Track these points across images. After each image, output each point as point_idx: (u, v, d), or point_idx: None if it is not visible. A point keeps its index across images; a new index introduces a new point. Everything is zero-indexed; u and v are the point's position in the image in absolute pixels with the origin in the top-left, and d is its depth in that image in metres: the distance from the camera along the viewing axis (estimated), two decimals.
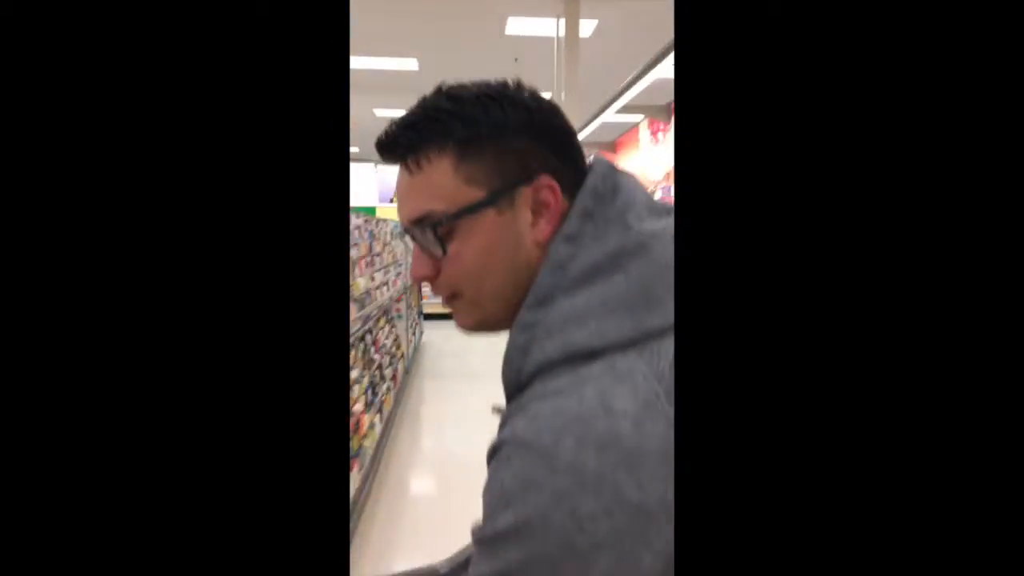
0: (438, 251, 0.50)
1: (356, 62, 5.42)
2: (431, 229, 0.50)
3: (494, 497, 0.43)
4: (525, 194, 0.50)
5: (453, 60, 5.36)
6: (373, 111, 7.32)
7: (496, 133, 0.49)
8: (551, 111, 0.52)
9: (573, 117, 5.08)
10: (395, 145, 0.51)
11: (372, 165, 10.13)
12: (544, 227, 0.51)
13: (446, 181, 0.49)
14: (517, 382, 0.49)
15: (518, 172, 0.50)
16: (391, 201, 10.21)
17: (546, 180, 0.50)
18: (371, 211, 10.03)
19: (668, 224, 0.50)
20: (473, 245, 0.50)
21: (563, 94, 4.54)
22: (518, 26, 4.74)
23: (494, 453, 0.46)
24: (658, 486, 0.40)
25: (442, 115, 0.49)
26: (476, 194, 0.49)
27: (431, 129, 0.49)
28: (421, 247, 0.52)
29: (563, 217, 0.51)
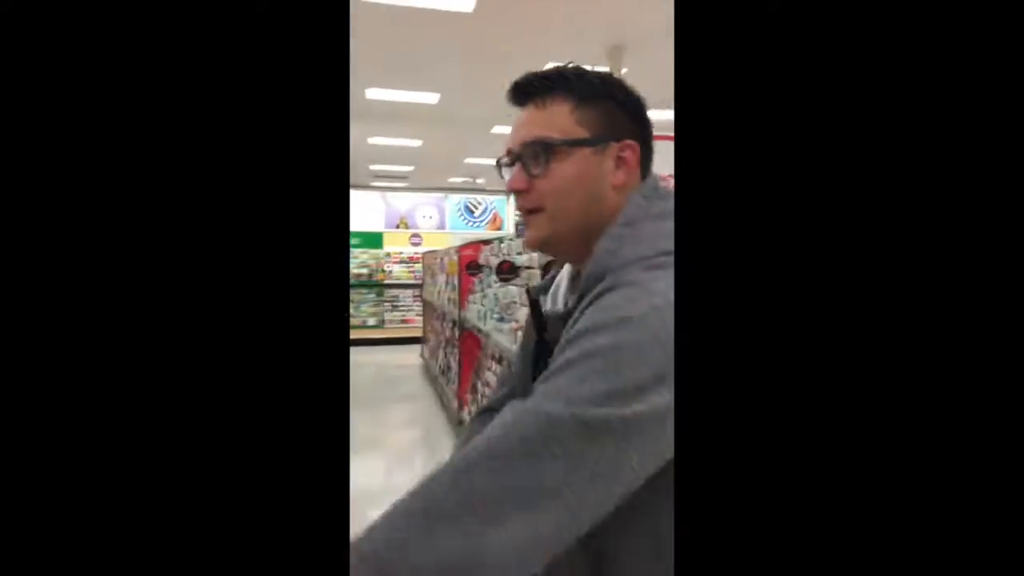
0: (540, 169, 0.66)
1: (380, 93, 5.61)
2: (542, 148, 0.65)
3: (594, 312, 0.57)
4: (613, 147, 0.67)
5: (474, 95, 5.56)
6: (376, 140, 7.53)
7: (604, 97, 0.67)
8: (639, 99, 0.70)
9: None
10: (531, 87, 0.68)
11: (380, 195, 10.33)
12: (621, 176, 0.67)
13: (564, 119, 0.66)
14: (602, 278, 0.61)
15: (612, 130, 0.67)
16: (397, 227, 10.37)
17: (630, 143, 0.68)
18: (378, 236, 10.15)
19: None
20: (569, 170, 0.65)
21: None
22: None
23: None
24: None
25: (571, 76, 0.67)
26: (583, 133, 0.65)
27: (561, 82, 0.67)
28: (524, 165, 0.67)
29: (635, 175, 0.68)
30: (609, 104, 0.67)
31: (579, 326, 0.56)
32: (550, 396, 0.51)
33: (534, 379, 0.61)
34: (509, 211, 10.89)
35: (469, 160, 8.93)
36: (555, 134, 0.65)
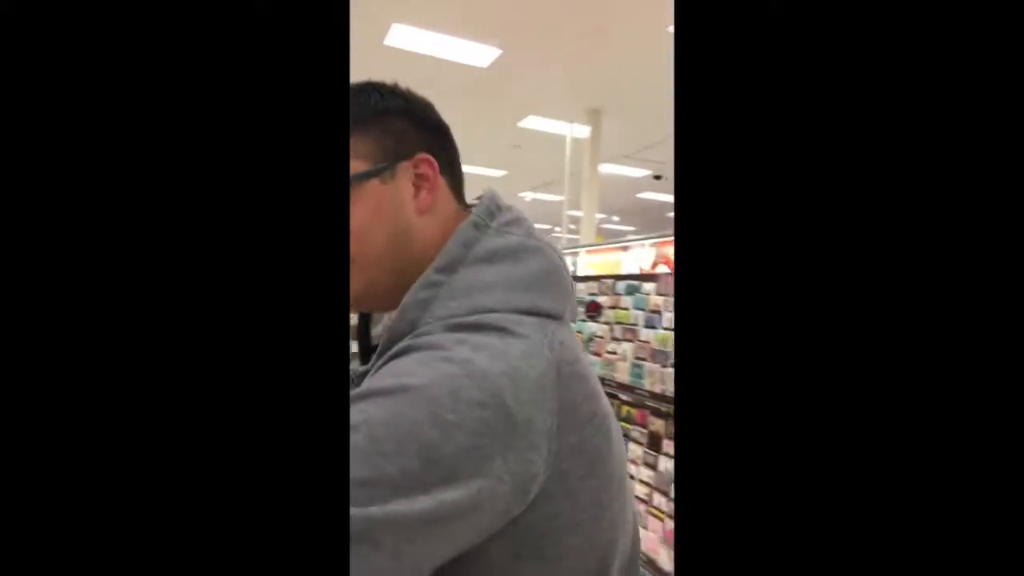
0: None
1: None
2: None
3: (370, 378, 0.47)
4: (405, 168, 0.56)
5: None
6: None
7: (378, 115, 0.55)
8: (426, 104, 0.60)
9: (593, 203, 5.80)
10: None
11: None
12: (425, 197, 0.56)
13: None
14: (405, 336, 0.51)
15: (399, 149, 0.55)
16: None
17: (424, 156, 0.56)
18: None
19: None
20: (359, 211, 0.54)
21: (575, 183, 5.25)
22: (532, 122, 5.51)
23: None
24: (531, 408, 0.44)
25: None
26: (361, 166, 0.54)
27: None
28: None
29: (443, 192, 0.58)
30: (387, 120, 0.56)
31: (359, 388, 0.46)
32: None
33: None
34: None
35: None
36: None
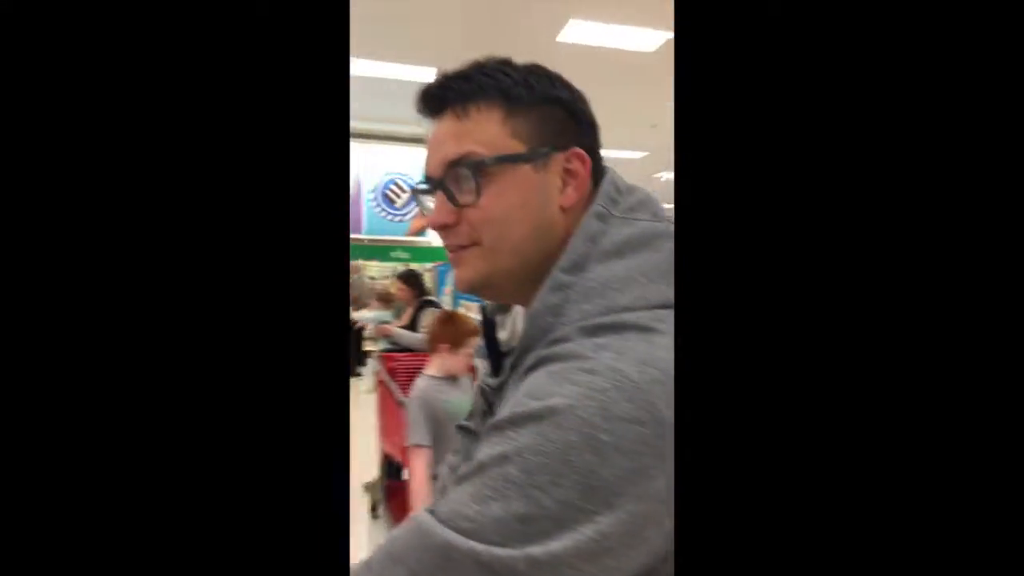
0: (470, 196, 0.51)
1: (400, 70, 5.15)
2: (471, 170, 0.51)
3: (520, 394, 0.44)
4: (558, 160, 0.52)
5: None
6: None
7: (542, 99, 0.53)
8: (585, 100, 0.56)
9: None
10: (446, 93, 0.53)
11: None
12: (571, 194, 0.53)
13: (493, 130, 0.52)
14: (540, 343, 0.48)
15: (555, 138, 0.53)
16: None
17: (578, 152, 0.53)
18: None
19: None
20: (507, 195, 0.51)
21: None
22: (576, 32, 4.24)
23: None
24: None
25: (497, 74, 0.53)
26: (518, 147, 0.51)
27: (485, 83, 0.52)
28: (447, 193, 0.52)
29: (587, 190, 0.54)
30: (550, 106, 0.53)
31: (499, 415, 0.44)
32: (453, 516, 0.41)
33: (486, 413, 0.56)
34: None
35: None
36: (484, 150, 0.51)
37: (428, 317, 3.05)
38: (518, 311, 0.60)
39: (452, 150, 0.52)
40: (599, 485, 0.38)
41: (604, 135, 0.58)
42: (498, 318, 0.62)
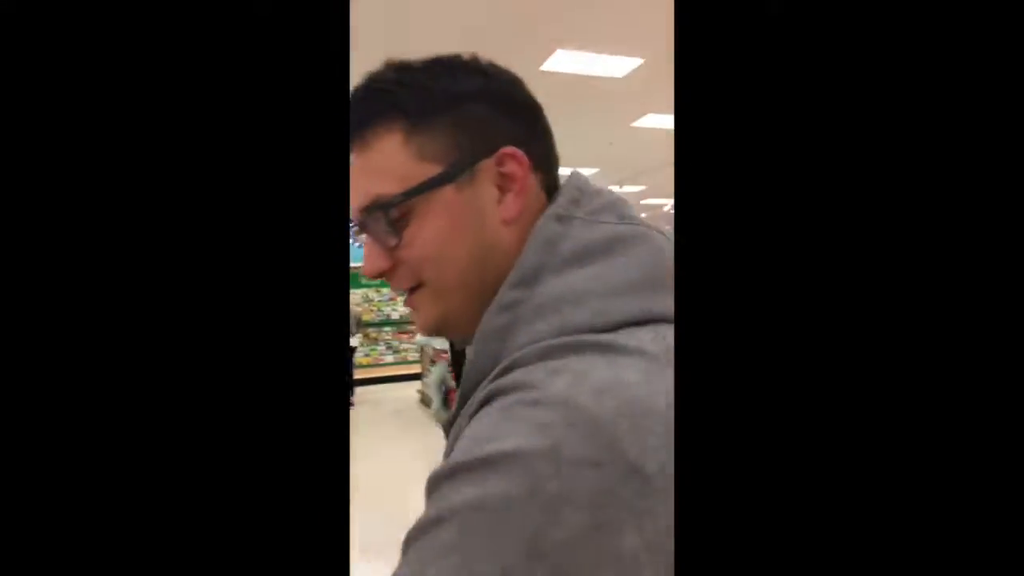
0: (392, 239, 0.45)
1: None
2: (382, 213, 0.44)
3: (464, 439, 0.37)
4: (487, 167, 0.45)
5: None
6: None
7: (450, 102, 0.45)
8: (512, 80, 0.48)
9: None
10: None
11: None
12: (512, 203, 0.46)
13: (396, 158, 0.45)
14: (489, 372, 0.42)
15: (478, 144, 0.45)
16: None
17: (510, 151, 0.45)
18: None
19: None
20: (432, 227, 0.45)
21: None
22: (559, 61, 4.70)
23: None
24: (664, 452, 0.34)
25: (388, 85, 0.45)
26: (431, 170, 0.44)
27: (377, 102, 0.45)
28: (374, 238, 0.46)
29: (533, 194, 0.47)
30: (464, 107, 0.45)
31: (439, 467, 0.37)
32: None
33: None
34: None
35: None
36: (392, 187, 0.45)
37: None
38: None
39: (360, 192, 0.46)
40: (549, 549, 0.31)
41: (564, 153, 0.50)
42: (467, 349, 0.50)
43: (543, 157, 0.49)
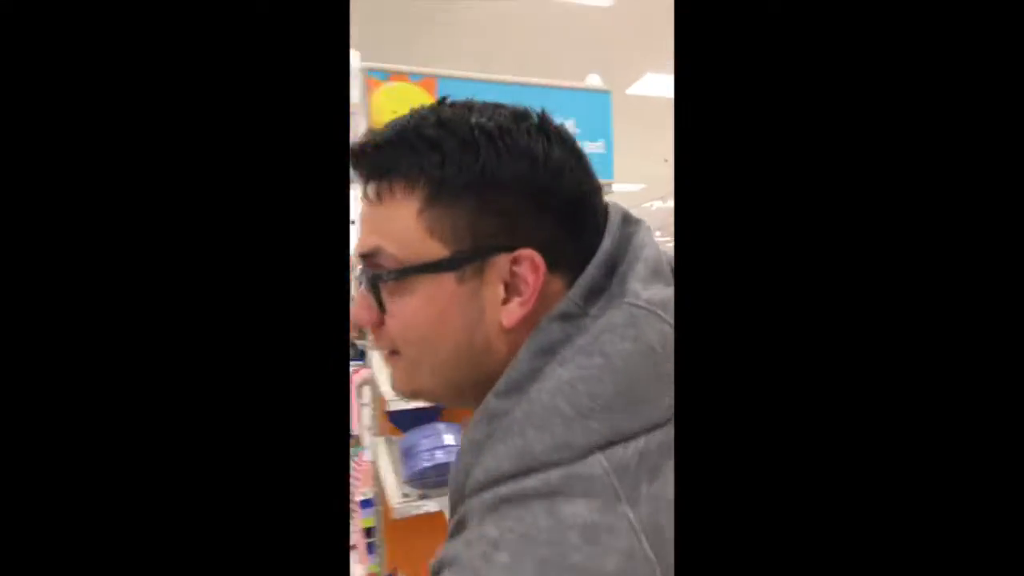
0: (378, 306, 0.42)
1: None
2: (368, 280, 0.42)
3: None
4: (500, 264, 0.40)
5: None
6: None
7: (484, 186, 0.39)
8: (565, 165, 0.42)
9: None
10: (359, 162, 0.43)
11: None
12: (515, 311, 0.41)
13: (405, 224, 0.41)
14: (461, 492, 0.39)
15: (497, 236, 0.40)
16: None
17: (528, 254, 0.40)
18: None
19: (669, 295, 0.41)
20: (421, 311, 0.41)
21: None
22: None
23: None
24: None
25: (421, 143, 0.40)
26: (436, 251, 0.40)
27: (404, 157, 0.41)
28: (366, 290, 0.43)
29: (547, 296, 0.41)
30: (496, 192, 0.40)
31: None
32: None
33: None
34: None
35: None
36: (394, 246, 0.41)
37: None
38: None
39: (368, 230, 0.42)
40: None
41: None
42: None
43: (575, 251, 0.42)
